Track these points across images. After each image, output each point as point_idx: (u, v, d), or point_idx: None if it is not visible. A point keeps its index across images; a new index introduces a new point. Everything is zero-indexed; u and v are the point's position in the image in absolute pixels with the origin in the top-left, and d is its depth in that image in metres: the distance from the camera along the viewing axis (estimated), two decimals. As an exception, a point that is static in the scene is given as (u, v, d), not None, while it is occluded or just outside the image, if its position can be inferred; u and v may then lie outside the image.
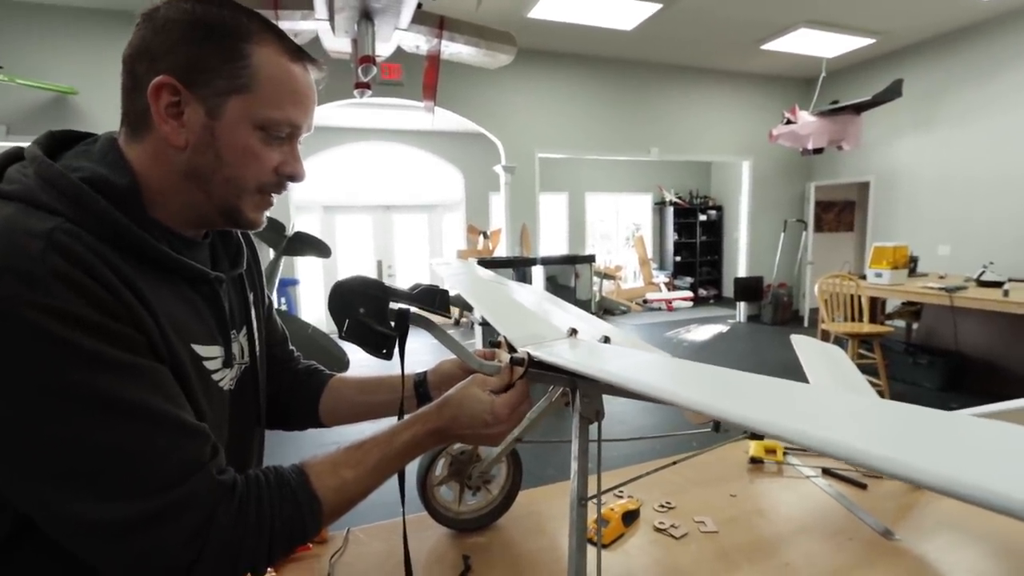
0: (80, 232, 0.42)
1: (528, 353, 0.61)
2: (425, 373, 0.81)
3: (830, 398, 0.44)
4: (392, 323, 0.57)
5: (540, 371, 0.66)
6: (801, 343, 1.21)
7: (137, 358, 0.42)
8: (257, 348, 0.65)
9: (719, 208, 9.08)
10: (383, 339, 0.56)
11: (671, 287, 8.84)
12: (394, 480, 0.61)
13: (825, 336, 4.04)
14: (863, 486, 1.06)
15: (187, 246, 0.55)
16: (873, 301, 4.25)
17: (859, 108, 5.30)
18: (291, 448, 3.74)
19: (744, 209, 7.20)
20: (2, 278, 0.37)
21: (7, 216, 0.41)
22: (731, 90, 6.74)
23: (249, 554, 0.45)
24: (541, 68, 5.76)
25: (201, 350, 0.53)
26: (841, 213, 7.84)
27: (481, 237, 7.31)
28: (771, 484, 1.11)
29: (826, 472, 1.13)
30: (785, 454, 1.20)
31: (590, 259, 5.02)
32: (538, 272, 4.90)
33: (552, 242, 8.12)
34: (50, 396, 0.37)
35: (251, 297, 0.67)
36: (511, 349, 0.68)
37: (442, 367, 0.78)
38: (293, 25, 3.59)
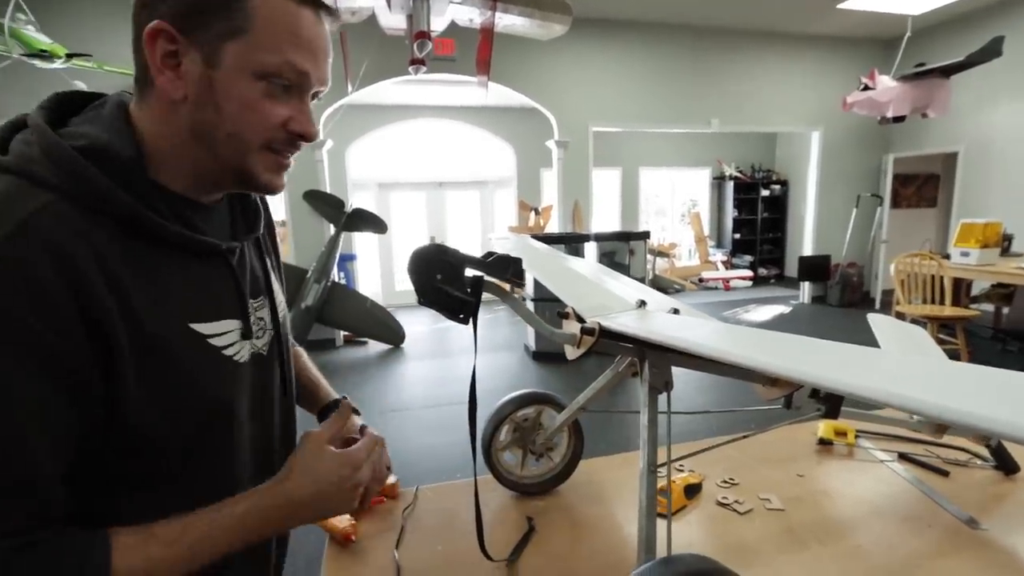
0: (70, 212, 0.41)
1: (598, 323, 0.62)
2: (339, 401, 0.75)
3: (920, 363, 0.42)
4: (468, 289, 0.59)
5: (608, 341, 0.67)
6: (879, 322, 1.14)
7: (44, 385, 0.38)
8: (280, 315, 0.62)
9: (783, 182, 8.58)
10: (461, 304, 0.58)
11: (729, 265, 8.51)
12: (465, 441, 0.61)
13: (900, 319, 3.78)
14: (945, 473, 1.01)
15: (201, 213, 0.52)
16: (957, 283, 3.93)
17: (949, 71, 4.80)
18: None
19: (812, 183, 6.78)
20: None
21: (9, 200, 0.40)
22: (800, 55, 6.28)
23: None
24: (596, 37, 5.58)
25: (204, 327, 0.50)
26: (923, 187, 7.23)
27: (532, 213, 7.29)
28: (841, 466, 1.07)
29: (903, 457, 1.08)
30: (857, 436, 1.16)
31: (645, 236, 4.91)
32: (591, 249, 4.85)
33: (604, 218, 7.98)
34: None
35: (268, 262, 0.64)
36: (580, 320, 0.69)
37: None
38: (350, 3, 3.64)
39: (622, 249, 4.85)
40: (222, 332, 0.52)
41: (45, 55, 3.60)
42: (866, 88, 4.96)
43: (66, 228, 0.40)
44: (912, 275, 3.84)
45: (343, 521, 0.87)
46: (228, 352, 0.52)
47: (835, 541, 0.83)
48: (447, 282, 0.58)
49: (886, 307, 6.00)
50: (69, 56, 3.75)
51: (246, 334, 0.54)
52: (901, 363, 0.38)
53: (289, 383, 0.65)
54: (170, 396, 0.47)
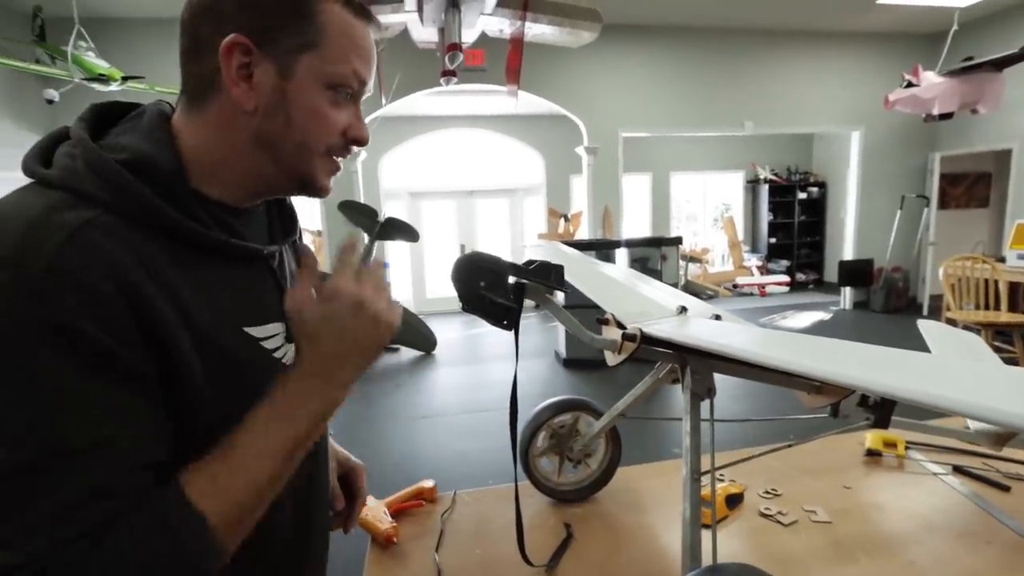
0: (116, 224, 0.41)
1: (640, 329, 0.62)
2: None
3: (982, 368, 0.40)
4: (511, 296, 0.60)
5: (649, 347, 0.67)
6: (930, 328, 1.10)
7: (108, 376, 0.38)
8: None
9: (822, 184, 8.32)
10: (505, 311, 0.60)
11: (764, 271, 8.29)
12: (505, 449, 0.60)
13: (951, 325, 3.61)
14: (1006, 488, 0.96)
15: (241, 218, 0.53)
16: (1014, 287, 3.73)
17: (1001, 64, 4.58)
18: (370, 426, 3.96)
19: (852, 185, 6.55)
20: (3, 268, 0.36)
21: (45, 205, 0.40)
22: (838, 53, 6.10)
23: None
24: (625, 43, 5.57)
25: (256, 331, 0.51)
26: (973, 187, 6.89)
27: (562, 220, 7.28)
28: (891, 478, 1.03)
29: (958, 470, 1.03)
30: (907, 448, 1.11)
31: (677, 241, 4.84)
32: (621, 255, 4.81)
33: (635, 224, 7.90)
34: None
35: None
36: (620, 326, 0.70)
37: (333, 452, 0.72)
38: (384, 19, 3.74)
39: (654, 255, 4.79)
40: (270, 335, 0.53)
41: (103, 78, 3.83)
42: (909, 85, 4.77)
43: (114, 240, 0.40)
44: (963, 279, 3.66)
45: (385, 523, 0.89)
46: (277, 355, 0.53)
47: (886, 556, 0.80)
48: (491, 289, 0.59)
49: (935, 313, 5.73)
50: (124, 79, 3.98)
51: (289, 337, 0.54)
52: (961, 368, 0.37)
53: None
54: (232, 397, 0.46)
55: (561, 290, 0.61)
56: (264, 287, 0.54)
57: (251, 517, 0.43)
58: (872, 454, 1.10)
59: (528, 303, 0.65)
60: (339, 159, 0.54)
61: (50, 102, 4.08)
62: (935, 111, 4.72)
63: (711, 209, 8.83)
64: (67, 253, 0.37)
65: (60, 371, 0.36)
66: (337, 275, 0.48)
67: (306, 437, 0.46)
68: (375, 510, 0.92)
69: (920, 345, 1.09)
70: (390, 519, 0.90)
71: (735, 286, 8.05)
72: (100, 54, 4.12)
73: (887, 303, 6.31)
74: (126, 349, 0.39)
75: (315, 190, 0.54)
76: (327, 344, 0.47)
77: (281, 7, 0.46)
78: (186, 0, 0.47)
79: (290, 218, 0.62)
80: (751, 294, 7.92)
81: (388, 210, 6.04)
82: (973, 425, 0.97)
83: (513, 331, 0.61)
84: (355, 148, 0.54)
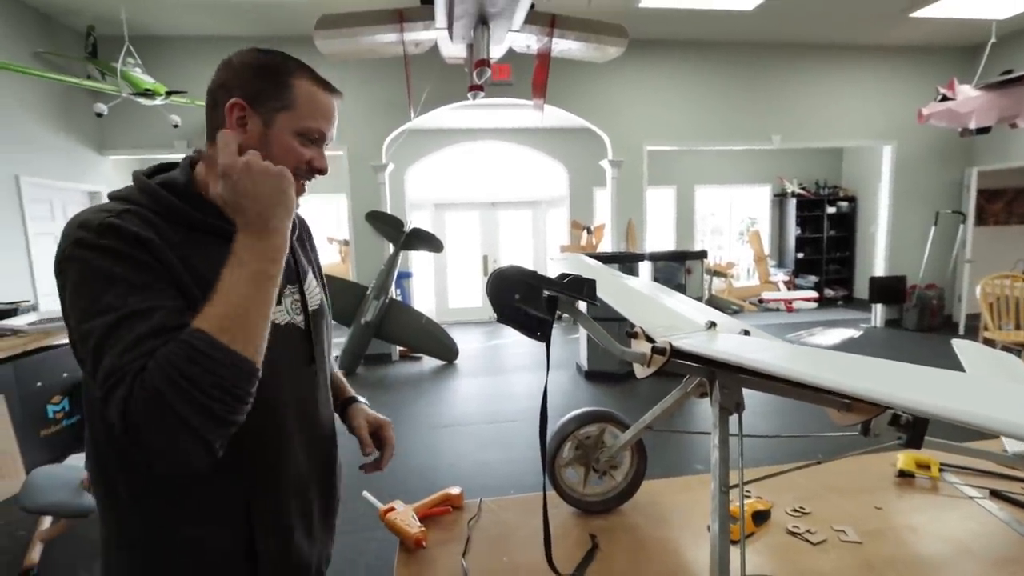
0: (147, 214, 0.64)
1: (669, 343, 0.64)
2: (356, 399, 0.96)
3: (1018, 388, 0.41)
4: (545, 308, 0.62)
5: (678, 361, 0.68)
6: (966, 348, 1.08)
7: (149, 277, 0.60)
8: (310, 304, 0.81)
9: (851, 199, 8.15)
10: (539, 323, 0.62)
11: (791, 286, 8.13)
12: (536, 460, 0.64)
13: (989, 345, 3.49)
14: (1046, 513, 0.93)
15: None
16: (1056, 307, 3.58)
17: (1042, 77, 4.45)
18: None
19: (884, 200, 6.40)
20: (81, 228, 0.60)
21: (110, 207, 0.64)
22: (870, 66, 6.01)
23: (165, 388, 0.53)
24: (651, 58, 5.59)
25: None
26: (1013, 202, 6.66)
27: (585, 232, 7.29)
28: (924, 501, 1.01)
29: (995, 494, 1.00)
30: (942, 470, 1.09)
31: (702, 255, 4.79)
32: (644, 268, 4.79)
33: (658, 238, 7.85)
34: (81, 302, 0.58)
35: (310, 268, 0.85)
36: (649, 339, 0.71)
37: (363, 413, 0.94)
38: (416, 36, 3.85)
39: (677, 269, 4.76)
40: None
41: (149, 93, 4.01)
42: (944, 99, 4.67)
43: (143, 219, 0.63)
44: (1003, 298, 3.53)
45: (414, 527, 0.92)
46: None
47: (920, 579, 0.79)
48: (525, 301, 0.61)
49: (971, 332, 5.54)
50: (168, 93, 4.17)
51: (279, 301, 0.73)
52: (998, 387, 0.37)
53: (319, 357, 0.82)
54: None
55: (593, 304, 0.63)
56: None
57: (239, 324, 0.59)
58: (904, 475, 1.08)
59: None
60: (305, 182, 0.75)
61: (99, 115, 4.30)
62: (972, 125, 4.61)
63: (737, 223, 8.73)
64: (113, 220, 0.61)
65: (123, 273, 0.59)
66: (222, 156, 0.64)
67: (259, 271, 0.62)
68: (404, 514, 0.95)
69: (955, 365, 1.07)
70: (419, 524, 0.93)
71: (761, 301, 7.90)
72: (146, 70, 4.32)
73: (920, 321, 6.11)
74: (159, 265, 0.61)
75: None
76: (245, 204, 0.63)
77: (267, 83, 0.69)
78: (213, 76, 0.70)
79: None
80: (777, 309, 7.77)
81: (413, 221, 6.14)
82: (1012, 447, 0.94)
83: (545, 342, 0.63)
84: (318, 175, 0.75)
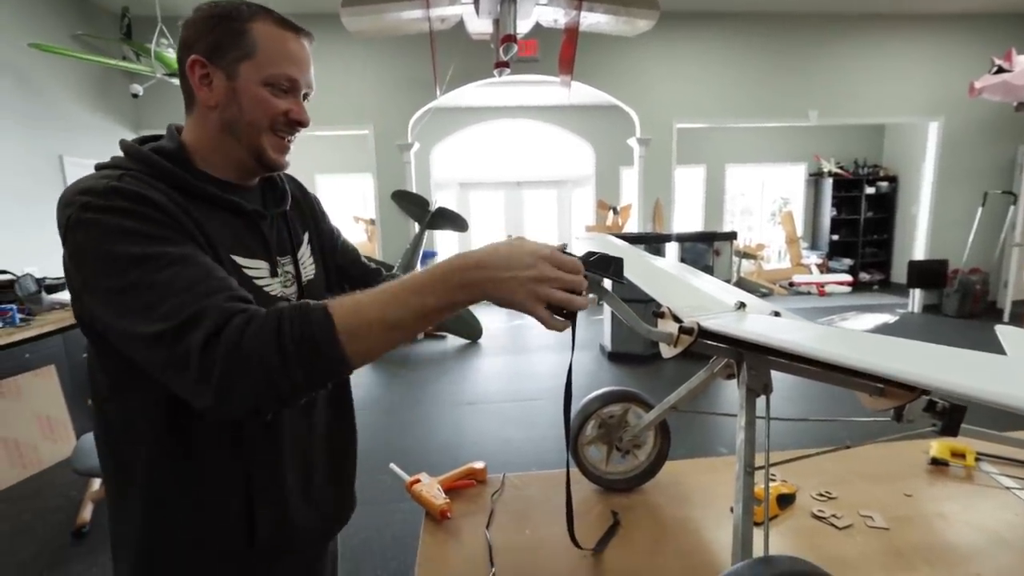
0: (144, 176, 0.62)
1: (697, 323, 0.63)
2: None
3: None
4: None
5: (705, 341, 0.67)
6: (1010, 335, 1.03)
7: (166, 231, 0.58)
8: (303, 277, 0.79)
9: (892, 179, 7.81)
10: (565, 301, 0.62)
11: (824, 269, 7.89)
12: (558, 438, 0.64)
13: (1034, 333, 3.33)
14: (1088, 506, 0.90)
15: (240, 192, 0.71)
16: (1112, 293, 3.38)
17: (1110, 47, 4.13)
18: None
19: (927, 179, 6.10)
20: (84, 194, 0.58)
21: (105, 172, 0.63)
22: (914, 38, 5.67)
23: (258, 349, 0.51)
24: (682, 31, 5.40)
25: (240, 260, 0.68)
26: (1069, 183, 6.26)
27: (611, 212, 7.19)
28: (957, 489, 0.99)
29: (1034, 485, 0.97)
30: (978, 460, 1.06)
31: (731, 236, 4.69)
32: (672, 249, 4.71)
33: (686, 218, 7.70)
34: (106, 261, 0.55)
35: (305, 236, 0.83)
36: (676, 319, 0.70)
37: None
38: (442, 11, 3.80)
39: (706, 250, 4.66)
40: (255, 267, 0.70)
41: (181, 73, 4.08)
42: (1000, 71, 4.40)
43: (143, 180, 0.62)
44: (1052, 284, 3.36)
45: (439, 499, 0.94)
46: (259, 283, 0.70)
47: (949, 567, 0.78)
48: (551, 280, 0.61)
49: (1017, 320, 5.30)
50: (199, 73, 4.22)
51: (274, 273, 0.73)
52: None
53: None
54: None
55: (620, 282, 0.63)
56: (252, 235, 0.72)
57: (370, 336, 0.54)
58: (937, 463, 1.05)
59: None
60: (287, 137, 0.71)
61: (135, 96, 4.41)
62: (1028, 99, 4.33)
63: (768, 203, 8.48)
64: (117, 183, 0.59)
65: (145, 229, 0.57)
66: (544, 246, 0.57)
67: (434, 310, 0.55)
68: (429, 486, 0.97)
69: (998, 352, 1.03)
70: (444, 496, 0.95)
71: (791, 284, 7.71)
72: (178, 50, 4.38)
73: (962, 307, 5.87)
74: (171, 220, 0.60)
75: (268, 160, 0.70)
76: (489, 254, 0.55)
77: (223, 33, 0.65)
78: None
79: (280, 195, 0.80)
80: (809, 293, 7.57)
81: (438, 200, 6.15)
82: (1054, 438, 0.91)
83: (571, 321, 0.63)
84: (300, 128, 0.71)
